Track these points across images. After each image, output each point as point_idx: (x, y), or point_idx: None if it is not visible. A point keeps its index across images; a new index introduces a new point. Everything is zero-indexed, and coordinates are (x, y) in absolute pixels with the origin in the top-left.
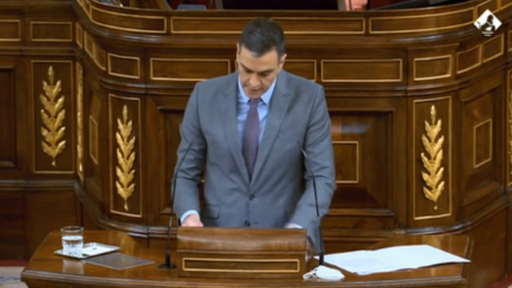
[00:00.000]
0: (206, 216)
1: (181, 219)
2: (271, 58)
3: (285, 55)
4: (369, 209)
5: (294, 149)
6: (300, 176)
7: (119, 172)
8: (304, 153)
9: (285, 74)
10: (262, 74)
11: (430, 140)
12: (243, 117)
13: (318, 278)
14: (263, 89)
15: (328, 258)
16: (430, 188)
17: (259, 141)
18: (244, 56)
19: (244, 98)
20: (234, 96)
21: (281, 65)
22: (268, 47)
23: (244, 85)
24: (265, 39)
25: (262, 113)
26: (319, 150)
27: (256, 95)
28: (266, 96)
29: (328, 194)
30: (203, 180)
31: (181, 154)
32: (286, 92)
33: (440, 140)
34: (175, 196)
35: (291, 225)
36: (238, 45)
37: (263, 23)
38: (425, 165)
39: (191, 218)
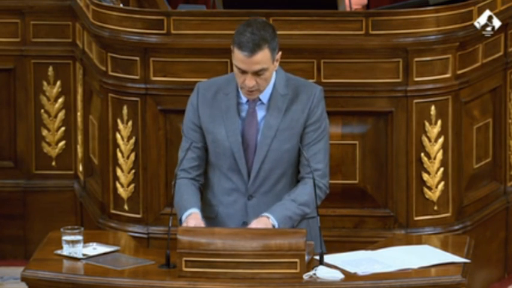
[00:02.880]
0: (205, 216)
1: (183, 218)
2: (263, 57)
3: (280, 53)
4: (369, 209)
5: (292, 149)
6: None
7: (119, 172)
8: (304, 153)
9: (284, 74)
10: (257, 73)
11: (430, 140)
12: (242, 116)
13: (318, 278)
14: (259, 89)
15: (328, 258)
16: (430, 188)
17: (258, 141)
18: (237, 57)
19: (244, 97)
20: (235, 95)
21: (277, 63)
22: (260, 46)
23: (241, 87)
24: (256, 39)
25: (260, 113)
26: (312, 152)
27: (254, 95)
28: (264, 96)
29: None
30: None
31: (183, 153)
32: (285, 92)
33: (440, 140)
34: (176, 195)
35: (265, 215)
36: (231, 47)
37: (253, 23)
38: (425, 165)
39: (192, 217)
